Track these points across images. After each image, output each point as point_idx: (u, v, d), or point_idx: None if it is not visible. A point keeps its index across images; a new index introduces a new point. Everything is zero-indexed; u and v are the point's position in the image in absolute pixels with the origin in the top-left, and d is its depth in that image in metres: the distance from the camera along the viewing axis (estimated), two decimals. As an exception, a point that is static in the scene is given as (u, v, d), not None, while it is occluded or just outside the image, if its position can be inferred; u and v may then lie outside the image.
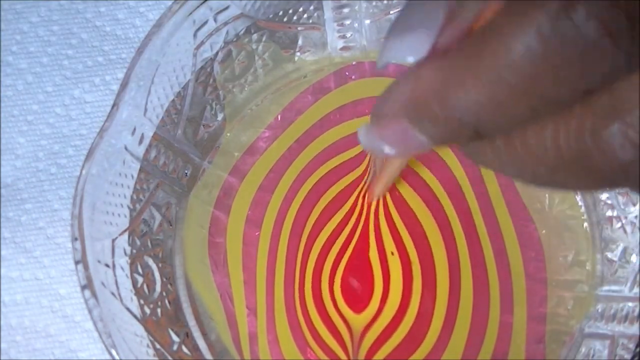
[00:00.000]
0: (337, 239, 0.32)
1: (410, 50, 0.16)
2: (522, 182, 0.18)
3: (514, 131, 0.15)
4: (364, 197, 0.32)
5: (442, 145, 0.17)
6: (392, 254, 0.31)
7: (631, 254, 0.31)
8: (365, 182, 0.32)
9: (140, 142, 0.30)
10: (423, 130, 0.16)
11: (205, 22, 0.31)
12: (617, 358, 0.29)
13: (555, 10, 0.13)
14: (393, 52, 0.16)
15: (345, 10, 0.33)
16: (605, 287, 0.31)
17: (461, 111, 0.15)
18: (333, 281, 0.31)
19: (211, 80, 0.33)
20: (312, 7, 0.33)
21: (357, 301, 0.31)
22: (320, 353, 0.31)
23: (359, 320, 0.31)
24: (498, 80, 0.14)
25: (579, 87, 0.14)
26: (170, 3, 0.30)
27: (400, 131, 0.16)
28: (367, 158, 0.33)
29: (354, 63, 0.34)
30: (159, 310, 0.30)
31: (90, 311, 0.27)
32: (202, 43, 0.31)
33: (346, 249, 0.32)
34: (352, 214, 0.32)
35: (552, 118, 0.15)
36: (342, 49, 0.34)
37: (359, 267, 0.31)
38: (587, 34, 0.13)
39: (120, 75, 0.35)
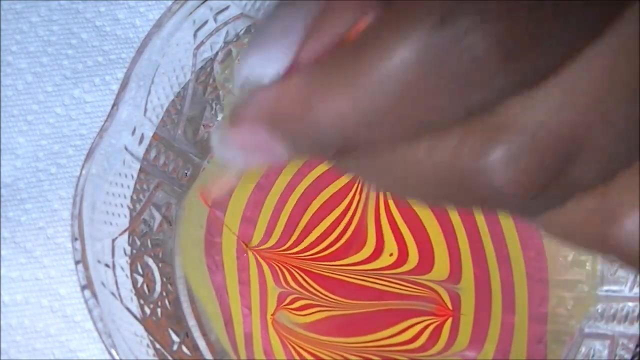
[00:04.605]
0: (326, 239, 0.32)
1: (267, 64, 0.14)
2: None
3: (383, 145, 0.14)
4: (360, 197, 0.32)
5: (303, 157, 0.15)
6: (391, 255, 0.32)
7: (631, 254, 0.31)
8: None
9: (140, 142, 0.30)
10: (283, 140, 0.14)
11: (205, 22, 0.31)
12: (617, 358, 0.29)
13: (434, 22, 0.12)
14: (248, 67, 0.15)
15: (345, 10, 0.33)
16: (605, 287, 0.31)
17: (325, 125, 0.13)
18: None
19: (211, 80, 0.33)
20: (312, 7, 0.33)
21: None
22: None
23: None
24: (368, 94, 0.13)
25: (457, 109, 0.13)
26: (170, 3, 0.30)
27: (258, 138, 0.15)
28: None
29: (354, 63, 0.34)
30: (159, 310, 0.30)
31: (90, 311, 0.27)
32: (202, 43, 0.31)
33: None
34: (346, 214, 0.32)
35: (426, 137, 0.14)
36: (342, 48, 0.34)
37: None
38: (471, 51, 0.12)
39: (120, 75, 0.35)
